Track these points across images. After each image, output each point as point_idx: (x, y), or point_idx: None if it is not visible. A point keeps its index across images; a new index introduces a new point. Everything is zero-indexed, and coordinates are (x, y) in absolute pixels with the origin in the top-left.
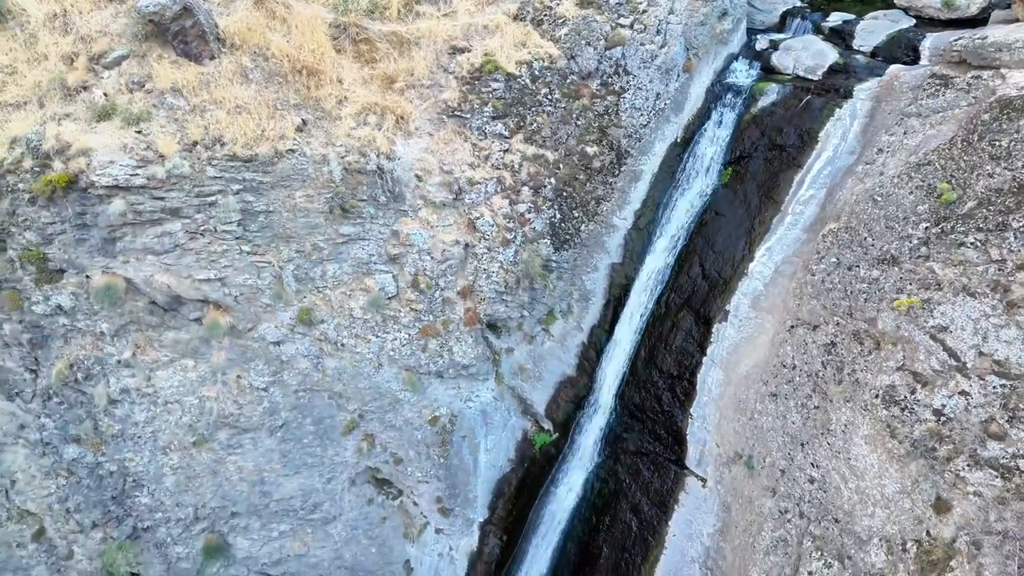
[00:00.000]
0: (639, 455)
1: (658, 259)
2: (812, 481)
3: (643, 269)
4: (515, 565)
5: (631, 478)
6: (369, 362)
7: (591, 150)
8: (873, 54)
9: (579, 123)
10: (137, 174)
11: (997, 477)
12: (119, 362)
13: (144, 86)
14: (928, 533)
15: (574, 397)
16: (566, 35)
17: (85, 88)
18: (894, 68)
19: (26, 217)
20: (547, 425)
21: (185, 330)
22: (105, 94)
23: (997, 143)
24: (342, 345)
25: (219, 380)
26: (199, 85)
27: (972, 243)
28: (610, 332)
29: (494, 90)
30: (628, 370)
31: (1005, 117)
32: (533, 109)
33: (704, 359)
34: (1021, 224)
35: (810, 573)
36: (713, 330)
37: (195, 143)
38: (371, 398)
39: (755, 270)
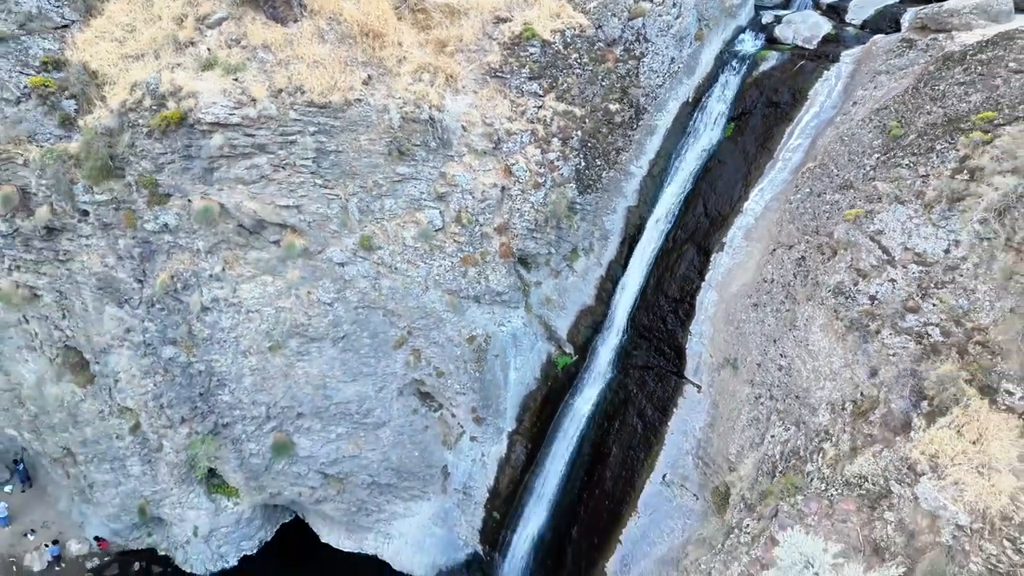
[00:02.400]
0: (645, 369)
1: (668, 202)
2: (780, 369)
3: (655, 210)
4: (538, 468)
5: (638, 388)
6: (418, 284)
7: (613, 107)
8: (862, 26)
9: (604, 83)
10: (234, 114)
11: (911, 341)
12: (211, 275)
13: (240, 43)
14: (862, 394)
15: (592, 323)
16: (595, 8)
17: (192, 44)
18: (876, 37)
19: (143, 148)
20: (568, 348)
21: (266, 250)
22: (208, 49)
23: (936, 88)
24: (396, 269)
25: (293, 294)
26: (284, 43)
27: (907, 164)
28: (625, 266)
29: (531, 54)
30: (639, 297)
31: (945, 67)
32: (564, 71)
33: (703, 284)
34: (943, 147)
35: (772, 436)
36: (711, 259)
37: (280, 90)
38: (419, 316)
39: (748, 207)
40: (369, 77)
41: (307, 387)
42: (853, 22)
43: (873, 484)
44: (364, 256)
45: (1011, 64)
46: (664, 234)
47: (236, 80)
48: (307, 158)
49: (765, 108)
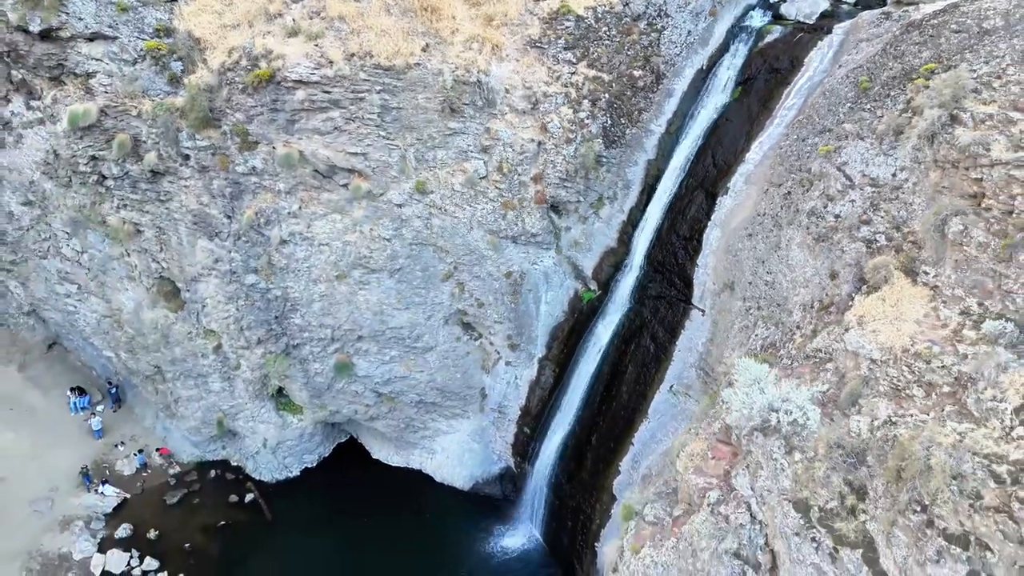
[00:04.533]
0: (658, 298)
1: (682, 155)
2: (766, 284)
3: (671, 163)
4: (564, 387)
5: (651, 315)
6: (464, 224)
7: (637, 73)
8: (855, 3)
9: (629, 53)
10: (314, 73)
11: (863, 245)
12: (289, 213)
13: (320, 14)
14: (826, 294)
15: (614, 263)
16: None
17: (280, 15)
18: (865, 12)
19: (237, 102)
20: (593, 285)
21: (336, 192)
22: (293, 19)
23: (898, 48)
24: (445, 210)
25: (358, 230)
26: (357, 15)
27: (868, 109)
28: (643, 211)
29: (567, 28)
30: (655, 238)
31: (907, 32)
32: (595, 42)
33: (709, 223)
34: (896, 93)
35: (755, 335)
36: (717, 201)
37: (352, 54)
38: (464, 253)
39: (749, 157)
40: (427, 45)
41: (367, 313)
42: (848, 0)
43: (824, 353)
44: (419, 199)
45: (953, 26)
46: (678, 183)
47: (316, 45)
48: (373, 113)
49: (767, 74)
